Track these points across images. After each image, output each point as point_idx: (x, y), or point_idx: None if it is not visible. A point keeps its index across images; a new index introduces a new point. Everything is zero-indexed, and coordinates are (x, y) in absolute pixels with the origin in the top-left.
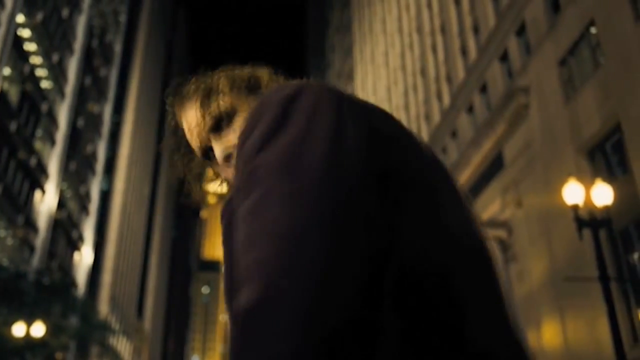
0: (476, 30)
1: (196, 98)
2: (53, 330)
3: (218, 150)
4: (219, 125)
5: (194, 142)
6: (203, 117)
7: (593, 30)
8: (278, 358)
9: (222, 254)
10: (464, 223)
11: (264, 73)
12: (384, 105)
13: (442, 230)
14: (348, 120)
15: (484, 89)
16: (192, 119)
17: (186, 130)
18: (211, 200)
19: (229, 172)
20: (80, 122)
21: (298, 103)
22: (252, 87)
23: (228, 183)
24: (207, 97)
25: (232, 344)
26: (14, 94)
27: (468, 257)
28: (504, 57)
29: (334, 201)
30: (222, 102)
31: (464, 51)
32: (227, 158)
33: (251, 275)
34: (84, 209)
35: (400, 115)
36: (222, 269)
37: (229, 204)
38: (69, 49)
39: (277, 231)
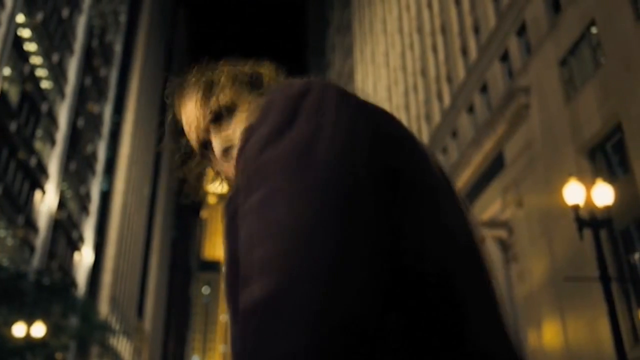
0: (477, 30)
1: (197, 91)
2: (53, 330)
3: (217, 144)
4: (218, 119)
5: (193, 134)
6: (203, 110)
7: (594, 30)
8: (290, 353)
9: (224, 250)
10: (462, 225)
11: (266, 70)
12: (385, 106)
13: (442, 232)
14: (355, 119)
15: (484, 89)
16: (191, 112)
17: (185, 123)
18: (211, 200)
19: (226, 167)
20: (81, 122)
21: (306, 100)
22: (253, 84)
23: (225, 178)
24: (208, 90)
25: (238, 339)
26: (14, 94)
27: (466, 258)
28: (505, 57)
29: (341, 200)
30: (223, 97)
31: (465, 51)
32: (225, 152)
33: (261, 271)
34: (84, 209)
35: (400, 115)
36: (223, 267)
37: (232, 199)
38: (69, 49)
39: (287, 228)
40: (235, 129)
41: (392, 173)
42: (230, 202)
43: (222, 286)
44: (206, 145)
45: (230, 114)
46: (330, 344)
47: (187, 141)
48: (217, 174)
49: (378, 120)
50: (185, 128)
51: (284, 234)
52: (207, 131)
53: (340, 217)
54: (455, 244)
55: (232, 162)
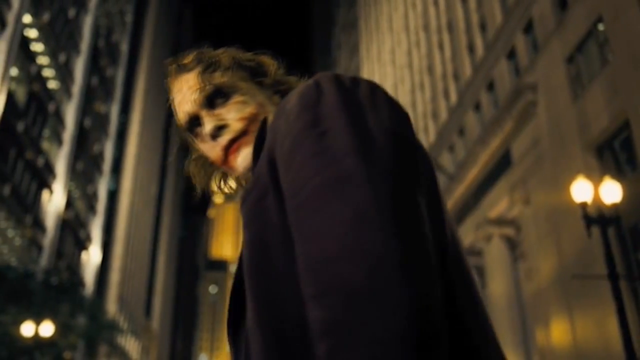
0: (483, 27)
1: (198, 67)
2: (61, 329)
3: (208, 124)
4: (213, 98)
5: (184, 107)
6: (202, 84)
7: (601, 26)
8: (391, 336)
9: (243, 238)
10: (455, 231)
11: (268, 60)
12: None
13: (448, 232)
14: (405, 118)
15: (491, 86)
16: (187, 84)
17: (176, 96)
18: (218, 199)
19: (209, 147)
20: (88, 122)
21: (360, 93)
22: (254, 71)
23: (207, 159)
24: (209, 67)
25: (331, 321)
26: (21, 95)
27: (461, 265)
28: (511, 55)
29: (409, 189)
30: (224, 76)
31: (471, 49)
32: (216, 131)
33: (355, 254)
34: (92, 208)
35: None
36: (231, 268)
37: (248, 193)
38: (76, 49)
39: (370, 212)
40: (230, 110)
41: (422, 172)
42: (255, 187)
43: (230, 285)
44: (195, 120)
45: (227, 95)
46: (427, 326)
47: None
48: (197, 151)
49: (408, 122)
50: (176, 100)
51: (369, 218)
52: (200, 106)
53: (411, 208)
54: (455, 251)
55: (220, 143)
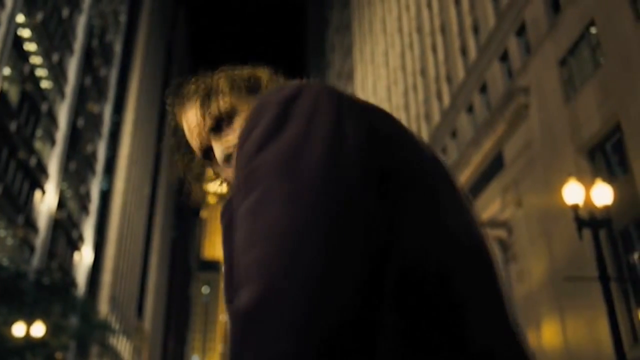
0: (476, 30)
1: (196, 98)
2: (53, 330)
3: (218, 151)
4: (219, 125)
5: (195, 142)
6: (203, 117)
7: (593, 30)
8: (278, 358)
9: (222, 254)
10: (464, 223)
11: (263, 73)
12: (384, 105)
13: (442, 231)
14: (347, 120)
15: (483, 88)
16: (192, 119)
17: (186, 131)
18: (211, 200)
19: (229, 173)
20: (80, 122)
21: (297, 103)
22: (252, 87)
23: (228, 184)
24: (207, 97)
25: (232, 344)
26: (14, 94)
27: (468, 257)
28: (504, 57)
29: (333, 201)
30: (222, 102)
31: (464, 51)
32: (228, 158)
33: (250, 275)
34: (84, 208)
35: (400, 115)
36: (223, 269)
37: (229, 204)
38: (69, 49)
39: (277, 231)
40: (236, 134)
41: (389, 173)
42: (227, 208)
43: (222, 286)
44: (208, 151)
45: (231, 119)
46: (320, 347)
47: (187, 141)
48: (218, 176)
49: (373, 121)
50: (187, 135)
51: (273, 237)
52: (208, 138)
53: (330, 220)
54: (456, 242)
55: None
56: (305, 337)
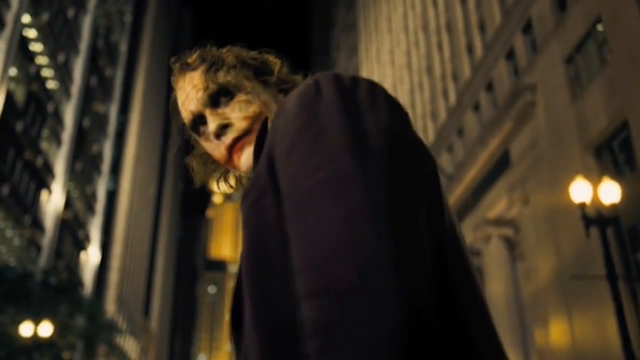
0: (482, 27)
1: (202, 65)
2: (60, 329)
3: (212, 123)
4: (218, 97)
5: (189, 106)
6: (206, 83)
7: (599, 27)
8: (380, 336)
9: (243, 237)
10: (458, 231)
11: (274, 61)
12: None
13: (448, 231)
14: (405, 117)
15: (490, 86)
16: (191, 83)
17: (181, 96)
18: (217, 199)
19: (213, 146)
20: (86, 122)
21: (360, 93)
22: (259, 70)
23: (211, 157)
24: (214, 65)
25: (322, 322)
26: (20, 95)
27: (463, 264)
28: (510, 55)
29: (407, 189)
30: (228, 75)
31: (470, 49)
32: (220, 130)
33: (347, 255)
34: (91, 208)
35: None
36: (230, 267)
37: (248, 193)
38: (75, 49)
39: (365, 212)
40: (234, 109)
41: (419, 170)
42: (254, 187)
43: (229, 285)
44: (199, 119)
45: (231, 94)
46: (414, 327)
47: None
48: (202, 151)
49: (408, 121)
50: (181, 101)
51: (362, 218)
52: (204, 105)
53: (407, 206)
54: (456, 242)
55: (224, 142)
56: (403, 318)
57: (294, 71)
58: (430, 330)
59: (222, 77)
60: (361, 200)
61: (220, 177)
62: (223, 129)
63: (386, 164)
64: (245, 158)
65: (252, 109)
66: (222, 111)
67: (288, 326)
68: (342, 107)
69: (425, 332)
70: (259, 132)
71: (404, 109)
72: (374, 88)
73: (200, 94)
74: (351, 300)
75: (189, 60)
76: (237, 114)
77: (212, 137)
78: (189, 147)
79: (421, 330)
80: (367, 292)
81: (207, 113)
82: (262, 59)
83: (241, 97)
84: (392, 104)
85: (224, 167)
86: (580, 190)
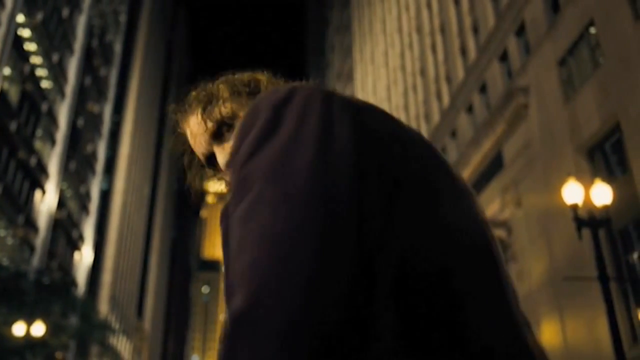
0: (476, 30)
1: (198, 105)
2: (53, 329)
3: (221, 157)
4: (220, 131)
5: (198, 149)
6: (205, 123)
7: (592, 30)
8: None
9: (222, 258)
10: (467, 220)
11: (263, 77)
12: (384, 105)
13: (441, 229)
14: (338, 121)
15: (483, 89)
16: (194, 127)
17: (190, 139)
18: (211, 199)
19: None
20: (80, 122)
21: (289, 106)
22: (252, 91)
23: (201, 163)
24: (208, 102)
25: (224, 346)
26: (14, 94)
27: (470, 254)
28: (504, 57)
29: (321, 204)
30: (223, 108)
31: (464, 51)
32: (230, 164)
33: (242, 279)
34: (84, 208)
35: (399, 115)
36: (223, 270)
37: (226, 209)
38: (69, 48)
39: (267, 236)
40: None
41: (384, 172)
42: (226, 211)
43: (222, 286)
44: (212, 158)
45: (232, 124)
46: (312, 349)
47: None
48: (226, 184)
49: (368, 120)
50: (191, 143)
51: (264, 241)
52: (211, 144)
53: (319, 224)
54: (456, 240)
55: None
56: (297, 340)
57: (287, 72)
58: (345, 350)
59: (218, 113)
60: (269, 221)
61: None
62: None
63: (304, 179)
64: None
65: None
66: (227, 144)
67: None
68: (266, 135)
69: (316, 356)
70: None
71: (348, 108)
72: (310, 97)
73: (204, 137)
74: (240, 326)
75: (187, 106)
76: None
77: (225, 171)
78: (182, 149)
79: (309, 355)
80: (251, 320)
81: (215, 150)
82: (253, 79)
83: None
84: (328, 114)
85: (214, 173)
86: (572, 192)
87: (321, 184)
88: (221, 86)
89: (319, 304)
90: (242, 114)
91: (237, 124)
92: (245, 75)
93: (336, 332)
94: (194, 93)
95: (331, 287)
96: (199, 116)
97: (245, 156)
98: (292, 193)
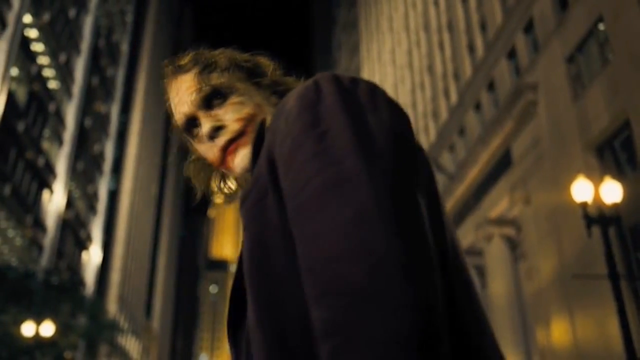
0: (483, 27)
1: (195, 68)
2: (62, 329)
3: (206, 124)
4: (211, 99)
5: (181, 108)
6: (199, 85)
7: (601, 26)
8: (392, 335)
9: (243, 237)
10: (450, 226)
11: (267, 63)
12: None
13: (447, 233)
14: (405, 119)
15: (491, 86)
16: (183, 85)
17: (174, 97)
18: (218, 199)
19: (206, 148)
20: (88, 122)
21: (360, 93)
22: (252, 72)
23: (204, 159)
24: (206, 68)
25: (337, 326)
26: (21, 95)
27: (457, 259)
28: (512, 54)
29: (409, 188)
30: (222, 77)
31: (472, 48)
32: (214, 132)
33: (355, 254)
34: (92, 208)
35: (407, 113)
36: (240, 255)
37: (255, 185)
38: (76, 49)
39: (373, 211)
40: (227, 111)
41: (422, 173)
42: (254, 187)
43: (230, 284)
44: (192, 121)
45: (224, 96)
46: (428, 326)
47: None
48: (196, 153)
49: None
50: (173, 103)
51: (369, 218)
52: (197, 107)
53: (413, 205)
54: (452, 247)
55: (218, 143)
56: (415, 319)
57: (293, 70)
58: (441, 327)
59: (215, 79)
60: (367, 200)
61: (220, 179)
62: (216, 130)
63: (390, 163)
64: (239, 160)
65: (246, 110)
66: (215, 113)
67: (295, 327)
68: (344, 108)
69: (435, 329)
70: (257, 133)
71: (403, 111)
72: (374, 89)
73: (193, 96)
74: (360, 300)
75: (182, 63)
76: (231, 115)
77: (205, 139)
78: (188, 149)
79: (432, 328)
80: (375, 292)
81: (200, 115)
82: (255, 61)
83: (234, 99)
84: (392, 105)
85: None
86: (581, 190)
87: (406, 169)
88: (223, 56)
89: (428, 282)
90: (237, 88)
91: (233, 99)
92: (246, 55)
93: (437, 307)
94: (192, 56)
95: (432, 268)
96: (195, 76)
97: (317, 133)
98: (387, 171)
